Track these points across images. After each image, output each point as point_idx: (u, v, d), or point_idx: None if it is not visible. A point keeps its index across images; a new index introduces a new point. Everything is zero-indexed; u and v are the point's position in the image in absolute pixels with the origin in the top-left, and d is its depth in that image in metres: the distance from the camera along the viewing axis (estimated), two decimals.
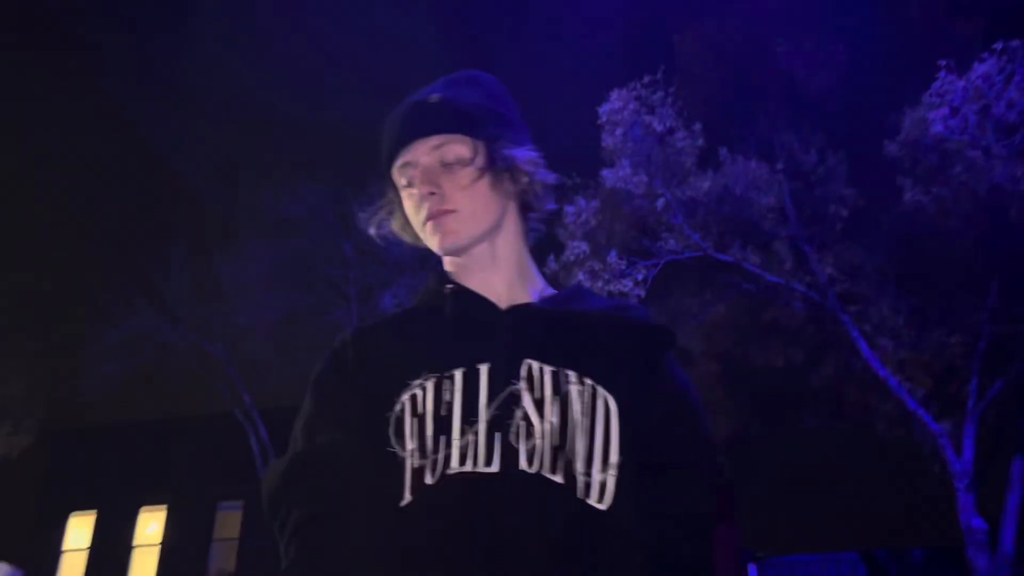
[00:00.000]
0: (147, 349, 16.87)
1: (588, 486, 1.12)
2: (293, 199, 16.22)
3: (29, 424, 17.76)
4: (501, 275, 1.28)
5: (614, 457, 1.14)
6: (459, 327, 1.23)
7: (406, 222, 1.33)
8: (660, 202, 13.21)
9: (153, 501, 19.32)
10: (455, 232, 1.25)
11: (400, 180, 1.30)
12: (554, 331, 1.22)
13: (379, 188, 1.39)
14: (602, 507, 1.11)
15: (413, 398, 1.17)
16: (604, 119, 13.25)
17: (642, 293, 13.14)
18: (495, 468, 1.10)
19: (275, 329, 16.76)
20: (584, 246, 13.11)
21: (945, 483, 12.69)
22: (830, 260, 13.34)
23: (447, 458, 1.12)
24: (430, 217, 1.25)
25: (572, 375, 1.18)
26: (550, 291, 1.32)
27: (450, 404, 1.15)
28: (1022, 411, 12.92)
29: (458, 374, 1.17)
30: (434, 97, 1.27)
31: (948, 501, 12.61)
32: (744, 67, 13.75)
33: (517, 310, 1.25)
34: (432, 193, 1.24)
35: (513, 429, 1.13)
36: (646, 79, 13.13)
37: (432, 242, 1.28)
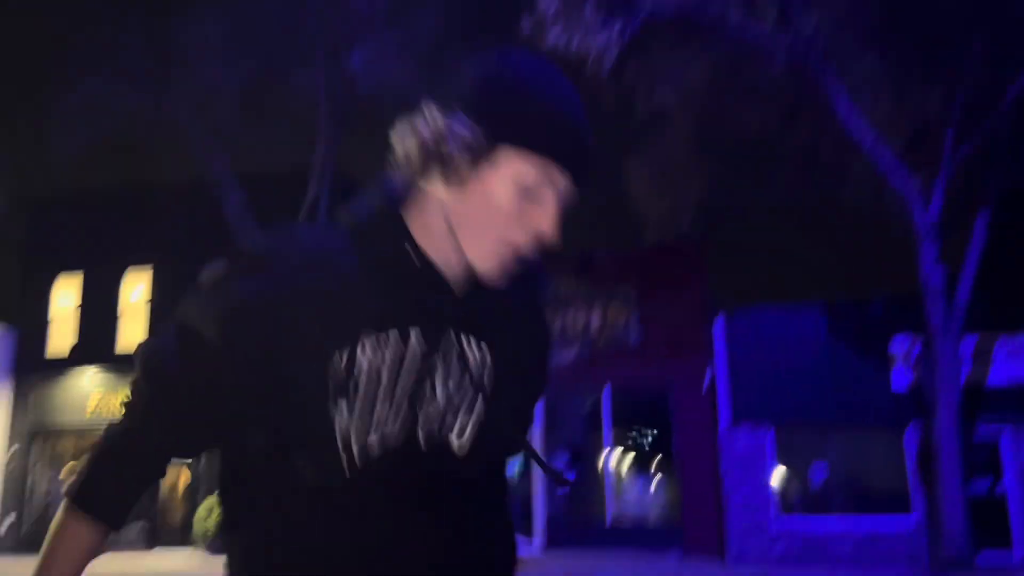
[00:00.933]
0: (111, 116, 16.38)
1: (461, 446, 1.18)
2: None
3: (3, 190, 17.59)
4: (457, 255, 1.16)
5: (481, 418, 1.19)
6: (402, 288, 1.16)
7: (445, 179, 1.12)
8: None
9: (138, 261, 19.62)
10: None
11: (523, 175, 1.10)
12: (474, 304, 1.19)
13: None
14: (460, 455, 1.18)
15: (351, 357, 1.12)
16: None
17: (614, 49, 12.74)
18: (406, 445, 1.13)
19: (241, 92, 16.25)
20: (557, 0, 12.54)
21: (910, 237, 13.10)
22: (814, 11, 12.88)
23: (366, 447, 1.11)
24: (518, 249, 1.15)
25: (477, 344, 1.20)
26: None
27: (379, 371, 1.12)
28: (993, 166, 13.10)
29: (392, 336, 1.13)
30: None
31: (912, 255, 13.09)
32: None
33: (460, 288, 1.19)
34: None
35: (425, 404, 1.15)
36: None
37: (488, 261, 1.14)
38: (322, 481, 1.11)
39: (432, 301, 1.16)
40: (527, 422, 1.34)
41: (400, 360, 1.13)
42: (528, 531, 16.02)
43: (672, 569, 11.84)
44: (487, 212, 1.11)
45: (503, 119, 1.09)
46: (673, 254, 16.68)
